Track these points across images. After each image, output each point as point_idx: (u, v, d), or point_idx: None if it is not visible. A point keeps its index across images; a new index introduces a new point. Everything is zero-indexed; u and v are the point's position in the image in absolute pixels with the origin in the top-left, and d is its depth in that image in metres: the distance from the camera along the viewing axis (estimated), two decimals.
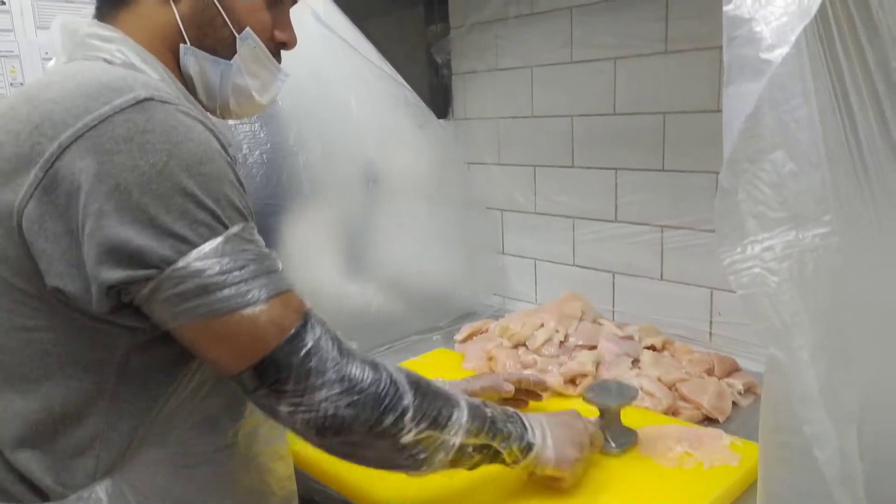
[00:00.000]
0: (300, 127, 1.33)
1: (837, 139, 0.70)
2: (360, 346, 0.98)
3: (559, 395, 1.17)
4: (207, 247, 0.58)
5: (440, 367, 1.35)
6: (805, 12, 0.61)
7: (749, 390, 1.16)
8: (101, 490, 0.64)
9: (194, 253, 0.58)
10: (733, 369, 1.22)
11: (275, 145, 1.26)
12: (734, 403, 1.13)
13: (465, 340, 1.44)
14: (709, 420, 1.09)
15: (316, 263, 1.37)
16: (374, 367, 0.66)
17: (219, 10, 0.72)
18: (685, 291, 1.38)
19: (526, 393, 1.09)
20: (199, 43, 0.72)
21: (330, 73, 1.44)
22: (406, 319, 1.54)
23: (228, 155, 0.64)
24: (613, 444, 0.96)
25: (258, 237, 0.64)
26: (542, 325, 1.30)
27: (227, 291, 0.58)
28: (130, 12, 0.71)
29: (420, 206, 1.58)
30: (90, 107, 0.58)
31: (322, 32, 1.44)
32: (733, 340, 1.32)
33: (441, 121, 1.70)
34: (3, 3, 1.37)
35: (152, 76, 0.66)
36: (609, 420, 0.96)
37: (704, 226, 1.33)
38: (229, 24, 0.72)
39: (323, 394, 0.62)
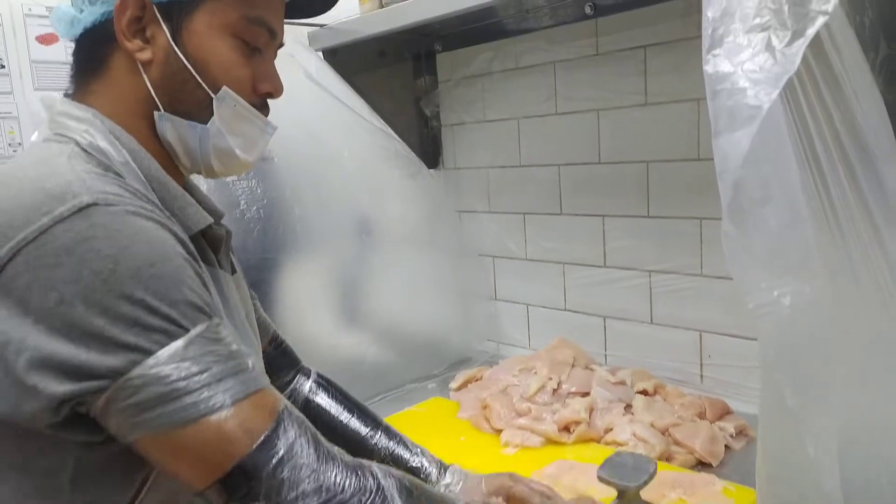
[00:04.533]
0: (295, 181, 1.36)
1: (810, 195, 0.73)
2: (356, 397, 1.01)
3: (554, 442, 1.18)
4: (165, 353, 0.55)
5: (435, 416, 1.37)
6: (786, 64, 0.64)
7: (741, 433, 1.18)
8: None
9: (150, 360, 0.54)
10: (725, 412, 1.23)
11: (271, 200, 1.30)
12: (727, 447, 1.14)
13: (459, 388, 1.45)
14: (702, 464, 1.11)
15: (311, 315, 1.39)
16: (359, 471, 0.60)
17: (191, 73, 0.68)
18: (675, 335, 1.41)
19: None
20: (173, 108, 0.69)
21: (323, 128, 1.48)
22: (401, 368, 1.55)
23: (188, 249, 0.61)
24: None
25: (225, 333, 0.59)
26: (535, 373, 1.32)
27: (188, 399, 0.54)
28: (101, 83, 0.69)
29: (413, 255, 1.61)
30: (30, 218, 0.55)
31: (314, 90, 1.49)
32: (724, 382, 1.34)
33: (431, 171, 1.74)
34: (3, 67, 1.41)
35: (115, 159, 0.64)
36: (628, 501, 0.86)
37: (690, 270, 1.36)
38: (203, 85, 0.68)
39: None
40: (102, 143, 0.65)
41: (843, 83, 0.83)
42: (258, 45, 0.72)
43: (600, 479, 0.86)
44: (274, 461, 0.56)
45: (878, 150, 0.88)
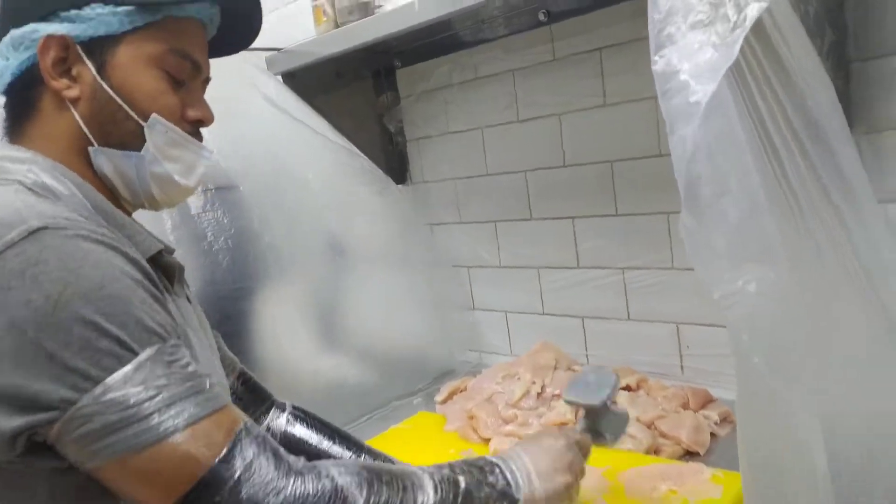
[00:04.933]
0: (262, 209, 1.35)
1: (769, 183, 0.75)
2: (341, 420, 0.99)
3: None
4: (114, 379, 0.55)
5: (423, 432, 1.36)
6: (726, 55, 0.66)
7: (725, 420, 1.19)
8: None
9: (98, 388, 0.54)
10: (707, 400, 1.25)
11: (239, 230, 1.28)
12: (712, 434, 1.15)
13: (445, 401, 1.45)
14: (689, 454, 1.12)
15: (289, 342, 1.38)
16: (317, 477, 0.60)
17: (119, 104, 0.70)
18: (652, 329, 1.42)
19: None
20: (105, 141, 0.70)
21: (287, 152, 1.48)
22: (385, 386, 1.55)
23: (142, 270, 0.62)
24: (607, 436, 0.89)
25: (181, 354, 0.60)
26: (518, 379, 1.32)
27: (139, 426, 0.55)
28: (35, 126, 0.71)
29: (387, 272, 1.61)
30: None
31: (275, 114, 1.48)
32: (704, 371, 1.36)
33: (399, 186, 1.74)
34: None
35: (62, 193, 0.65)
36: (597, 416, 0.88)
37: (662, 264, 1.38)
38: (133, 115, 0.70)
39: None
40: (47, 180, 0.65)
41: (792, 71, 0.85)
42: (182, 77, 0.74)
43: (566, 401, 0.90)
44: (231, 483, 0.57)
45: (832, 133, 0.91)
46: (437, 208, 1.75)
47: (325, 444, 0.94)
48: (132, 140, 0.71)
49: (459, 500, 0.67)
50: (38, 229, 0.57)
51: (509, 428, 1.22)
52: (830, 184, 0.88)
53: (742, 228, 0.67)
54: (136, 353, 0.56)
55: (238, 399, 0.93)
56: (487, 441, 1.23)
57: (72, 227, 0.58)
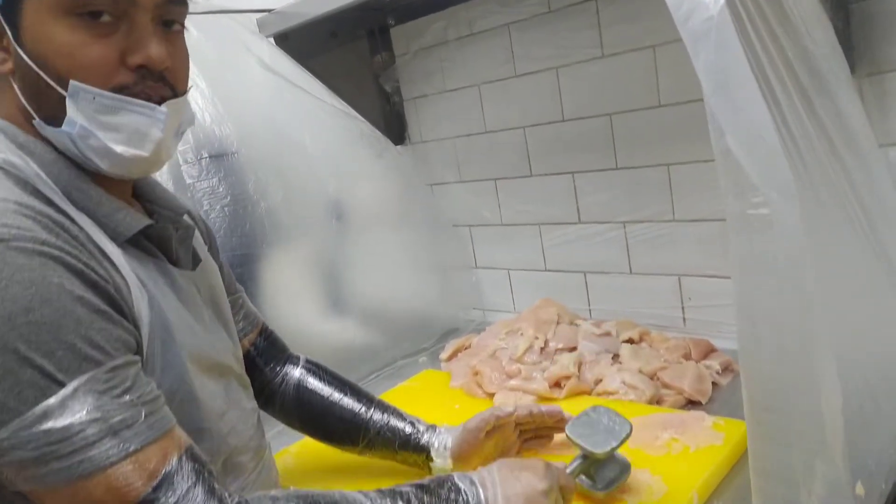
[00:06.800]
0: (258, 175, 1.35)
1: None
2: (349, 379, 1.02)
3: (546, 399, 1.20)
4: (33, 413, 0.51)
5: (428, 388, 1.38)
6: None
7: (727, 369, 1.20)
8: None
9: (15, 423, 0.51)
10: (709, 350, 1.26)
11: (235, 197, 1.28)
12: (714, 384, 1.17)
13: (450, 359, 1.46)
14: (692, 403, 1.13)
15: (292, 307, 1.39)
16: None
17: (38, 73, 0.59)
18: (654, 282, 1.43)
19: (546, 429, 1.00)
20: (42, 114, 0.62)
21: (282, 116, 1.46)
22: (391, 346, 1.56)
23: (88, 280, 0.56)
24: (598, 485, 0.84)
25: (121, 378, 0.55)
26: (521, 334, 1.33)
27: (57, 464, 0.51)
28: None
29: (389, 234, 1.61)
30: None
31: (269, 78, 1.47)
32: (706, 322, 1.36)
33: (398, 147, 1.73)
34: None
35: (27, 172, 0.60)
36: (591, 463, 0.83)
37: (663, 216, 1.37)
38: (52, 83, 0.60)
39: None
40: (12, 157, 0.61)
41: (791, 13, 0.84)
42: (111, 13, 0.60)
43: (568, 436, 0.83)
44: None
45: (832, 75, 0.89)
46: (436, 168, 1.74)
47: (335, 395, 0.96)
48: (60, 113, 0.61)
49: None
50: None
51: (513, 382, 1.24)
52: (831, 129, 0.88)
53: (763, 161, 0.66)
54: (62, 385, 0.52)
55: (259, 353, 0.96)
56: (492, 396, 1.24)
57: (7, 237, 0.53)
